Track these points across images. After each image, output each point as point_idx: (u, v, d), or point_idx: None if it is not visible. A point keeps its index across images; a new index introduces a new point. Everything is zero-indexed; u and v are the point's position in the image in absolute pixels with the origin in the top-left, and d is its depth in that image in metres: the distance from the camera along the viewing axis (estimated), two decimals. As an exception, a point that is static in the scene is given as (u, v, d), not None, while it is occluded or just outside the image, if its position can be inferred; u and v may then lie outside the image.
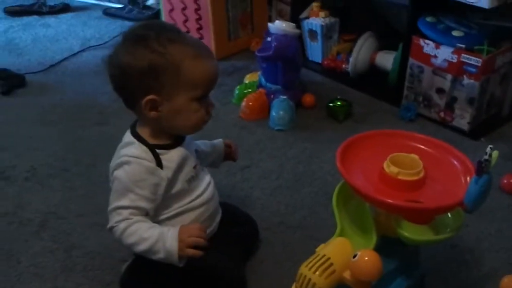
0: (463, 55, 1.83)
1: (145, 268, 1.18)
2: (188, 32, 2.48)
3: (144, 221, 1.10)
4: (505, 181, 1.62)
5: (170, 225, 1.13)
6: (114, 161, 1.13)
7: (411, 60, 1.99)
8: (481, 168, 0.97)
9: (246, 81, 2.19)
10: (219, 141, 1.39)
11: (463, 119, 1.92)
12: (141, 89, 1.06)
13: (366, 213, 1.11)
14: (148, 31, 1.07)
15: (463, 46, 1.83)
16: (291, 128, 1.96)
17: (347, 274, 0.98)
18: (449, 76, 1.89)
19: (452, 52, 1.85)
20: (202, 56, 1.08)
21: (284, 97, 1.99)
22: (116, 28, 2.95)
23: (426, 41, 1.91)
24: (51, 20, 3.11)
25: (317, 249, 1.03)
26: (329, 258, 0.99)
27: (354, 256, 0.95)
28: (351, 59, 2.27)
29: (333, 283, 0.99)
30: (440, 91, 1.95)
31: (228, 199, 1.53)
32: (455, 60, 1.85)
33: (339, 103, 2.01)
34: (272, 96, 2.02)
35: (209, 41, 2.46)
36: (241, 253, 1.31)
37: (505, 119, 2.05)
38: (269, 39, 1.98)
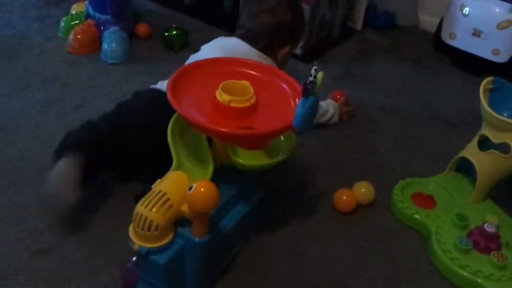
0: (293, -22, 1.84)
1: None
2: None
3: None
4: (332, 95, 1.71)
5: None
6: None
7: (245, -15, 1.97)
8: (307, 90, 0.99)
9: (73, 11, 2.01)
10: None
11: (296, 43, 1.96)
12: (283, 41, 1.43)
13: (203, 144, 1.09)
14: None
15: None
16: (126, 61, 1.85)
17: (184, 208, 0.96)
18: (281, 1, 1.90)
19: (283, -24, 1.86)
20: None
21: (116, 27, 1.87)
22: None
23: (257, -36, 1.89)
24: None
25: (153, 186, 1.00)
26: (165, 194, 0.96)
27: (190, 189, 0.93)
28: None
29: (171, 218, 0.97)
30: (273, 16, 1.96)
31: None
32: (285, -16, 1.86)
33: (175, 32, 1.94)
34: (102, 27, 1.89)
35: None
36: None
37: (335, 41, 2.14)
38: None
